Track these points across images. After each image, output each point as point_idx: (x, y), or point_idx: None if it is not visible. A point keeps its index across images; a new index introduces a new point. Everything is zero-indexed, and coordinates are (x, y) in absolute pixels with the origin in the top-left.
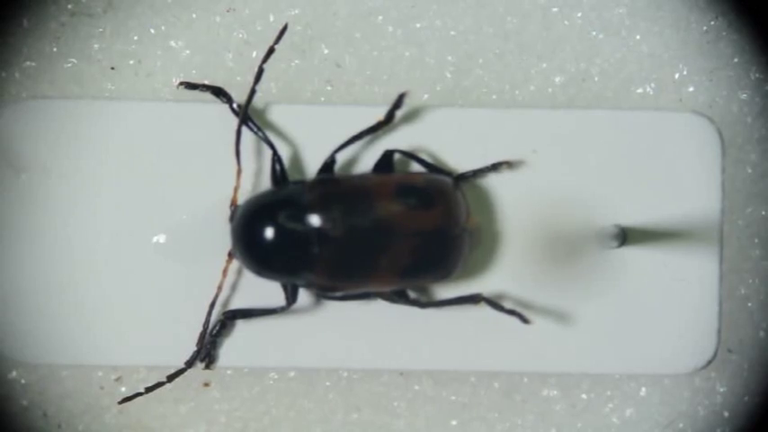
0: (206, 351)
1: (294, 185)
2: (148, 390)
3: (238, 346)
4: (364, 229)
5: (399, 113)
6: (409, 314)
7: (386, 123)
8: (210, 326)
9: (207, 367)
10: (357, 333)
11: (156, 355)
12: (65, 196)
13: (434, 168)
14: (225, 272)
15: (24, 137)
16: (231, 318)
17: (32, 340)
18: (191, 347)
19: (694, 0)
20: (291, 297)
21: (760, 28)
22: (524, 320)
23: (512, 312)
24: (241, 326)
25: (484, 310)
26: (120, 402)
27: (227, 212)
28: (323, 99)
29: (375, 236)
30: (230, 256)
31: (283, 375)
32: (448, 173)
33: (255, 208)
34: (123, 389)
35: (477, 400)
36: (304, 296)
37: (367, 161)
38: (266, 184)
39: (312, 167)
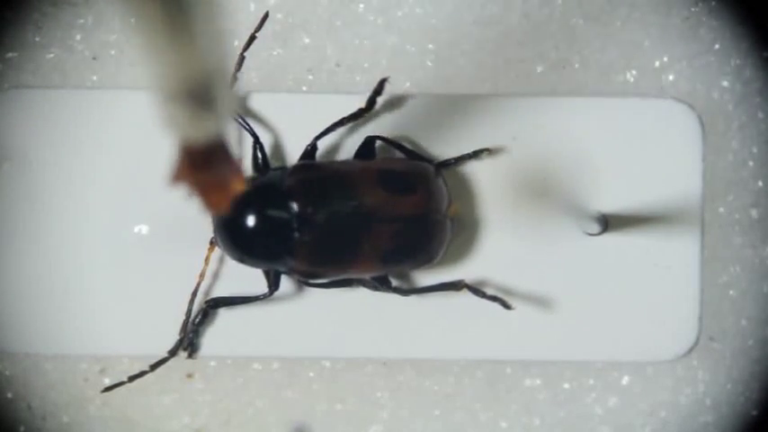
0: (189, 340)
1: (274, 172)
2: (131, 378)
3: (221, 335)
4: (345, 214)
5: (381, 101)
6: (392, 303)
7: (367, 110)
8: (193, 314)
9: (190, 356)
10: (340, 322)
11: (139, 345)
12: (47, 186)
13: (415, 155)
14: (207, 260)
15: (6, 126)
16: (213, 306)
17: (15, 330)
18: (174, 337)
19: None
20: (274, 284)
21: (741, 14)
22: (506, 306)
23: (494, 298)
24: (224, 315)
25: (466, 299)
26: (104, 391)
27: None
28: (304, 88)
29: (356, 221)
30: (212, 243)
31: (267, 366)
32: (429, 160)
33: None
34: (107, 380)
35: (461, 391)
36: (287, 286)
37: (349, 148)
38: (248, 172)
39: (294, 155)
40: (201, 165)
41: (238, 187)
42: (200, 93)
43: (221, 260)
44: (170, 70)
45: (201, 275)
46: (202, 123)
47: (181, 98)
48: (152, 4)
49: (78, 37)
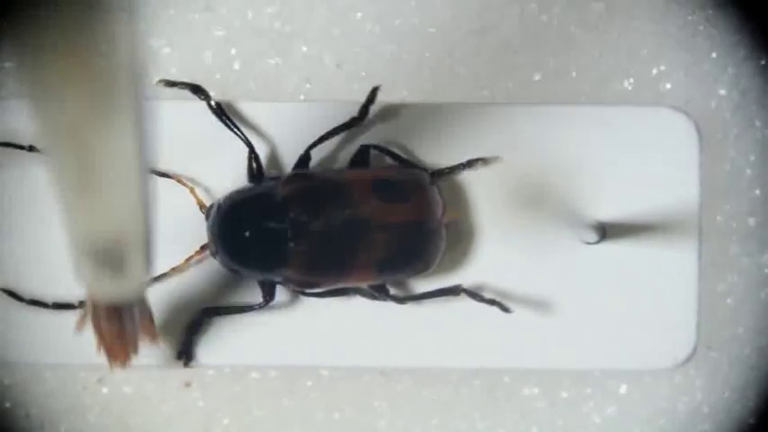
0: (183, 348)
1: (269, 181)
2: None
3: (219, 344)
4: (340, 223)
5: (378, 110)
6: (390, 311)
7: (360, 119)
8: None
9: (185, 364)
10: (338, 331)
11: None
12: (45, 195)
13: (410, 164)
14: (188, 259)
15: (4, 136)
16: (208, 315)
17: (13, 340)
18: (170, 346)
19: None
20: (269, 294)
21: (738, 22)
22: (504, 309)
23: (492, 302)
24: (222, 324)
25: (464, 308)
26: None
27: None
28: (302, 97)
29: (351, 230)
30: (202, 249)
31: (265, 375)
32: (423, 168)
33: (230, 204)
34: (105, 389)
35: (458, 399)
36: (285, 294)
37: (343, 157)
38: (243, 182)
39: (289, 164)
40: (109, 319)
41: (146, 345)
42: (111, 255)
43: (217, 268)
44: (81, 229)
45: (177, 269)
46: (113, 283)
47: (92, 256)
48: (68, 161)
49: None
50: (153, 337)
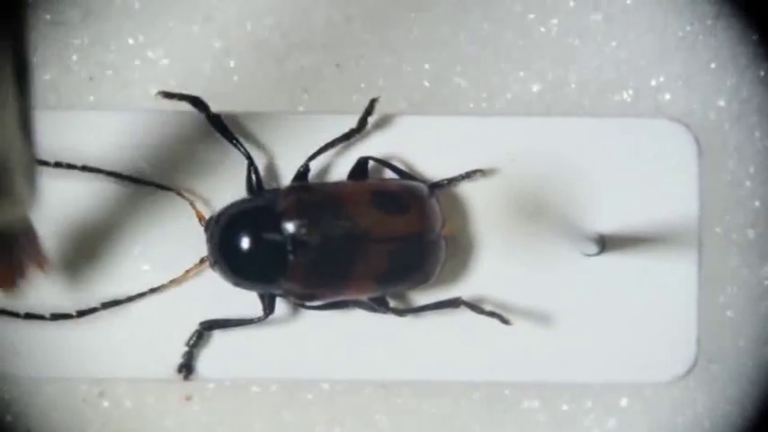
0: (184, 362)
1: (268, 194)
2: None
3: (220, 358)
4: (339, 235)
5: (378, 122)
6: (390, 324)
7: (358, 131)
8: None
9: (186, 378)
10: (338, 344)
11: (137, 368)
12: (42, 208)
13: (408, 176)
14: (188, 272)
15: None
16: (208, 328)
17: (14, 354)
18: (171, 360)
19: (671, 5)
20: (269, 307)
21: (737, 33)
22: (504, 321)
23: (491, 314)
24: (223, 338)
25: (464, 321)
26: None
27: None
28: (300, 108)
29: (350, 242)
30: (201, 261)
31: (265, 388)
32: (422, 180)
33: (229, 217)
34: (106, 403)
35: (458, 412)
36: (286, 307)
37: (344, 169)
38: (242, 194)
39: (289, 176)
40: None
41: (36, 270)
42: None
43: (216, 281)
44: None
45: (175, 281)
46: None
47: None
48: None
49: (74, 57)
50: (41, 262)
